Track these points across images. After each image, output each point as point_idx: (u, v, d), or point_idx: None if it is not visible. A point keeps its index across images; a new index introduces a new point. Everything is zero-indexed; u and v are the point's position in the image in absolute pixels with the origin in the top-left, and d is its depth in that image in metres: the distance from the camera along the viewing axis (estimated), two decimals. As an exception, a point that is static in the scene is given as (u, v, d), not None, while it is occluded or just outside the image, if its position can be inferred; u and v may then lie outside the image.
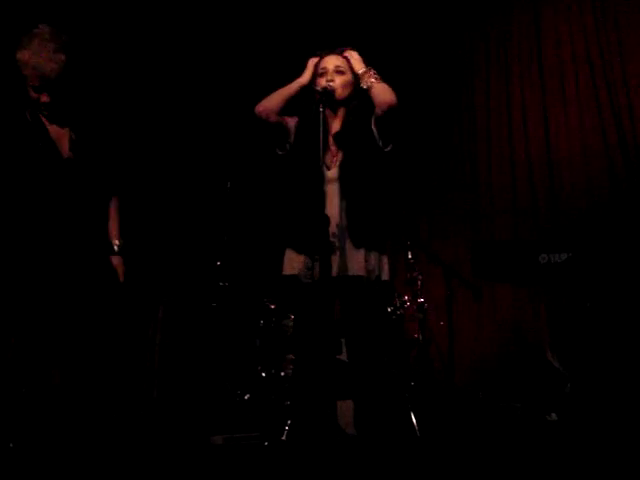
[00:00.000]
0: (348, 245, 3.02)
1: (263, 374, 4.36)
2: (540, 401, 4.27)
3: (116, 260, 3.19)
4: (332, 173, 3.08)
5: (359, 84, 3.12)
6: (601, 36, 5.47)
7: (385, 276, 3.08)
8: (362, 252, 3.03)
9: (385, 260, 3.11)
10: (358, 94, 3.14)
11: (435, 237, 5.73)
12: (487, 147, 5.78)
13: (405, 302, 4.58)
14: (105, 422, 2.98)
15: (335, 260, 3.00)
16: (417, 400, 4.10)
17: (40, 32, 2.93)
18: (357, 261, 3.01)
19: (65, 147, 3.05)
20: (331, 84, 3.05)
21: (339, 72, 3.11)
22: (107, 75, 4.77)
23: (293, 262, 3.11)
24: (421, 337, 4.61)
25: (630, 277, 4.23)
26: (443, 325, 5.16)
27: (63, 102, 3.03)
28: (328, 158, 3.09)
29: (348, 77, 3.12)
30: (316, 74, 3.13)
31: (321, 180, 2.98)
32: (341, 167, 3.06)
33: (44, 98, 2.96)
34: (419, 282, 4.65)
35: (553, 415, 4.14)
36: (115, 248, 3.20)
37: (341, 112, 3.18)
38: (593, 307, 4.38)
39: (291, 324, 4.47)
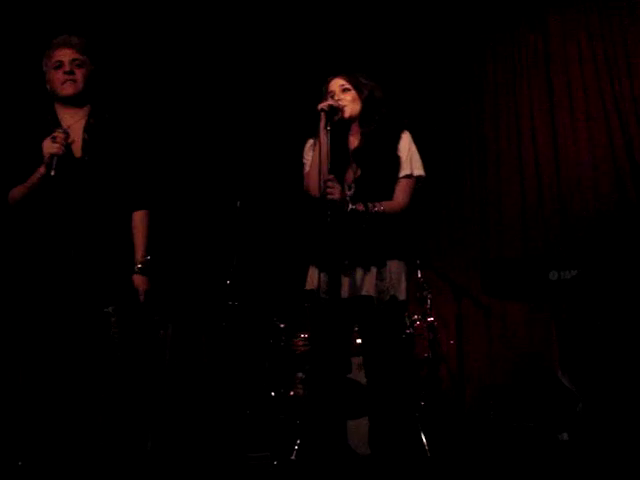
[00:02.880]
0: (361, 264, 3.01)
1: (272, 393, 4.36)
2: (551, 421, 4.24)
3: (137, 280, 3.07)
4: (350, 193, 3.08)
5: (366, 96, 3.14)
6: (609, 56, 5.48)
7: (402, 296, 3.05)
8: (374, 271, 3.02)
9: (403, 278, 3.06)
10: (371, 110, 3.15)
11: (444, 255, 5.72)
12: (496, 165, 5.77)
13: (415, 321, 4.58)
14: (112, 440, 2.97)
15: (346, 279, 2.99)
16: (427, 420, 4.08)
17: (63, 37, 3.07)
18: (367, 280, 3.01)
19: (79, 150, 3.04)
20: (339, 102, 3.07)
21: (345, 90, 3.13)
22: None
23: (314, 277, 3.11)
24: (431, 356, 4.60)
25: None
26: (453, 344, 5.14)
27: (81, 98, 3.06)
28: (349, 177, 3.10)
29: (354, 93, 3.13)
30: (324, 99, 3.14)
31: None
32: (356, 184, 3.07)
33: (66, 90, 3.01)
34: (429, 301, 4.65)
35: (564, 435, 4.11)
36: (138, 266, 3.08)
37: (356, 129, 3.19)
38: (604, 325, 4.36)
39: (301, 343, 4.47)
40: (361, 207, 2.99)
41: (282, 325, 4.53)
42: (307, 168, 3.18)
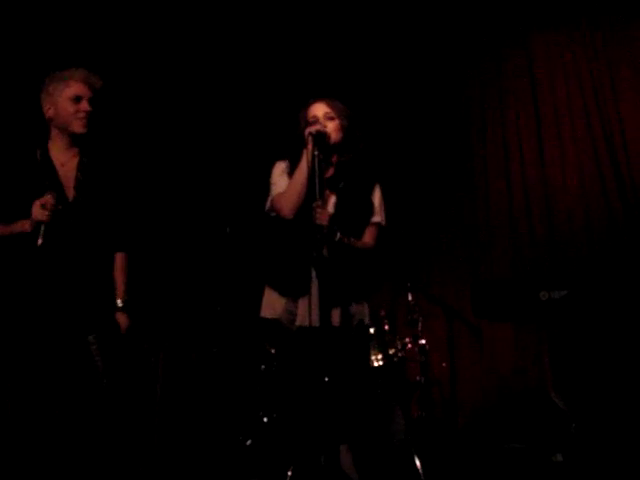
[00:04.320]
0: (330, 297, 3.02)
1: (265, 419, 4.32)
2: (545, 442, 4.22)
3: (119, 317, 3.13)
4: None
5: (347, 127, 3.17)
6: (594, 76, 5.55)
7: (367, 320, 3.20)
8: (340, 302, 3.06)
9: (366, 306, 3.21)
10: (349, 141, 3.20)
11: (435, 278, 5.72)
12: (484, 186, 5.80)
13: (406, 344, 4.57)
14: (105, 469, 2.95)
15: (314, 309, 3.00)
16: (420, 442, 4.05)
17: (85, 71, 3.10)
18: (335, 313, 3.03)
19: (71, 189, 3.05)
20: (326, 130, 3.09)
21: (329, 118, 3.16)
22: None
23: (274, 304, 3.13)
24: (423, 379, 4.58)
25: (631, 312, 4.22)
26: (445, 366, 5.13)
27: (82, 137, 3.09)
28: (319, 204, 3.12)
29: (337, 122, 3.17)
30: (306, 123, 3.16)
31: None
32: (330, 219, 3.07)
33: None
34: (420, 324, 4.65)
35: (558, 456, 4.09)
36: (119, 304, 3.14)
37: (334, 159, 3.23)
38: (596, 344, 4.36)
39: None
40: (345, 239, 3.04)
41: (273, 350, 4.51)
42: (277, 189, 3.20)
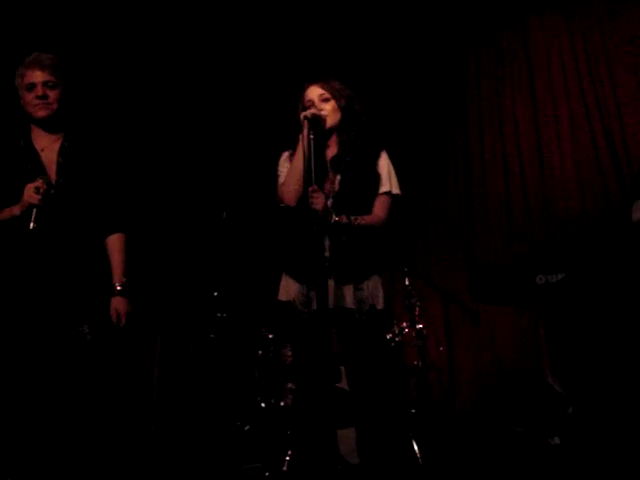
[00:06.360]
0: (338, 276, 3.01)
1: (263, 404, 4.33)
2: (542, 425, 4.24)
3: (117, 302, 3.07)
4: (329, 203, 3.07)
5: (344, 106, 3.14)
6: (590, 57, 5.54)
7: (380, 305, 3.07)
8: (352, 283, 3.03)
9: (380, 288, 3.10)
10: (349, 119, 3.16)
11: (432, 262, 5.72)
12: (481, 172, 5.80)
13: (404, 329, 4.57)
14: (104, 457, 2.95)
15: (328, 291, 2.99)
16: (418, 427, 4.06)
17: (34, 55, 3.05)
18: (347, 293, 3.01)
19: (54, 174, 3.02)
20: (321, 113, 3.07)
21: (325, 100, 3.13)
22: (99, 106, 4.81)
23: (289, 288, 3.11)
24: (421, 364, 4.59)
25: (628, 295, 4.22)
26: (443, 351, 5.14)
27: (55, 120, 3.06)
28: (327, 187, 3.10)
29: (334, 103, 3.14)
30: (303, 108, 3.13)
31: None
32: (336, 196, 3.08)
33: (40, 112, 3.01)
34: (417, 308, 4.65)
35: (556, 439, 4.11)
36: (118, 289, 3.08)
37: (334, 139, 3.19)
38: (592, 327, 4.37)
39: (290, 353, 4.46)
40: (344, 219, 2.99)
41: (270, 335, 4.52)
42: (281, 179, 3.17)
